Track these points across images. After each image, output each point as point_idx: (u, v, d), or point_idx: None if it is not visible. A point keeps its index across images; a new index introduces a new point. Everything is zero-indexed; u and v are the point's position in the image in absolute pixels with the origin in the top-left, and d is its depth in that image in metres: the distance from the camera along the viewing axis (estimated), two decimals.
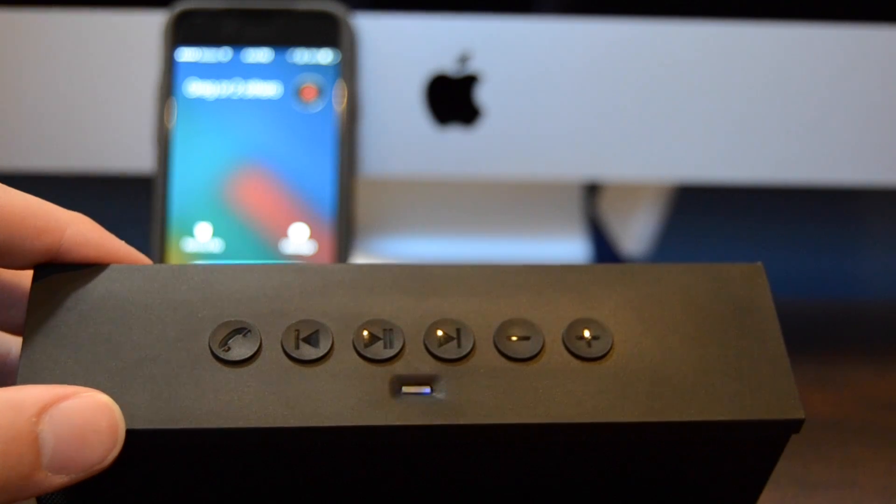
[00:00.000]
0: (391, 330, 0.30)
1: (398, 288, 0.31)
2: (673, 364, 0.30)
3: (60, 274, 0.30)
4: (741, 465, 0.31)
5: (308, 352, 0.29)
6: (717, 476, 0.32)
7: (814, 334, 0.60)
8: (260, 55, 0.51)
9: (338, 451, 0.29)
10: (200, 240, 0.50)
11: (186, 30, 0.51)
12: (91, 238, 0.30)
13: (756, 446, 0.31)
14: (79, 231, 0.30)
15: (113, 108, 0.54)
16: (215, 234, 0.50)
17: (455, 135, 0.54)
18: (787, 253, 0.73)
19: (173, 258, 0.49)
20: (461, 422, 0.29)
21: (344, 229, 0.50)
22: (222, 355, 0.29)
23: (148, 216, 0.50)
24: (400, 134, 0.54)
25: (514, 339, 0.30)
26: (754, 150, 0.55)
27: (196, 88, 0.51)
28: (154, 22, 0.52)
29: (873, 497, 0.38)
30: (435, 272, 0.31)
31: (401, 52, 0.54)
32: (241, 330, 0.29)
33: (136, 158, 0.54)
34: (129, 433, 0.27)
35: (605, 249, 0.63)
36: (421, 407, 0.29)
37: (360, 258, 0.58)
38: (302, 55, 0.51)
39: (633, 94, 0.54)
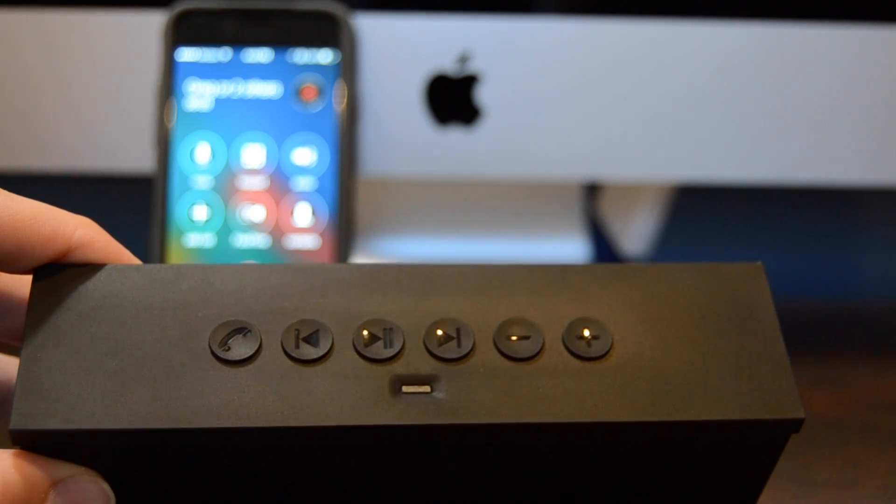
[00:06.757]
0: (391, 329, 0.30)
1: (398, 288, 0.31)
2: (673, 363, 0.30)
3: (60, 274, 0.30)
4: (741, 464, 0.31)
5: (308, 351, 0.29)
6: (718, 475, 0.32)
7: (814, 334, 0.60)
8: (260, 55, 0.51)
9: (338, 450, 0.29)
10: (200, 239, 0.50)
11: (186, 30, 0.51)
12: (96, 243, 0.30)
13: (756, 445, 0.31)
14: (86, 235, 0.30)
15: (113, 108, 0.54)
16: (215, 233, 0.50)
17: (455, 135, 0.54)
18: (787, 253, 0.73)
19: (173, 258, 0.49)
20: (461, 421, 0.29)
21: (344, 229, 0.50)
22: (222, 355, 0.29)
23: (148, 216, 0.50)
24: (400, 134, 0.54)
25: (513, 338, 0.30)
26: (754, 149, 0.55)
27: (196, 88, 0.51)
28: (154, 22, 0.52)
29: (873, 497, 0.38)
30: (435, 272, 0.31)
31: (401, 52, 0.54)
32: (241, 330, 0.29)
33: (136, 158, 0.54)
34: (130, 433, 0.28)
35: (605, 249, 0.63)
36: (421, 406, 0.29)
37: (360, 258, 0.58)
38: (302, 55, 0.51)
39: (634, 94, 0.54)
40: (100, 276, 0.30)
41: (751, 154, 0.55)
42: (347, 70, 0.51)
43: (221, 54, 0.51)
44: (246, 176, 0.51)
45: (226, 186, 0.50)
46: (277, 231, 0.50)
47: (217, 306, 0.30)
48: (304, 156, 0.51)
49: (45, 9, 0.53)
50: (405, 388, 0.29)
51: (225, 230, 0.50)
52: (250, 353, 0.29)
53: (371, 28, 0.53)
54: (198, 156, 0.50)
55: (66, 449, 0.28)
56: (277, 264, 0.31)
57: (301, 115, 0.51)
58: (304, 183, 0.50)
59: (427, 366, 0.29)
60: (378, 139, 0.54)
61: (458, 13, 0.53)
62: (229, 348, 0.29)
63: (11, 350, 0.33)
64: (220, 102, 0.51)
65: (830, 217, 0.74)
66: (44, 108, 0.54)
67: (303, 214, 0.50)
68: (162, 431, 0.28)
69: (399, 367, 0.29)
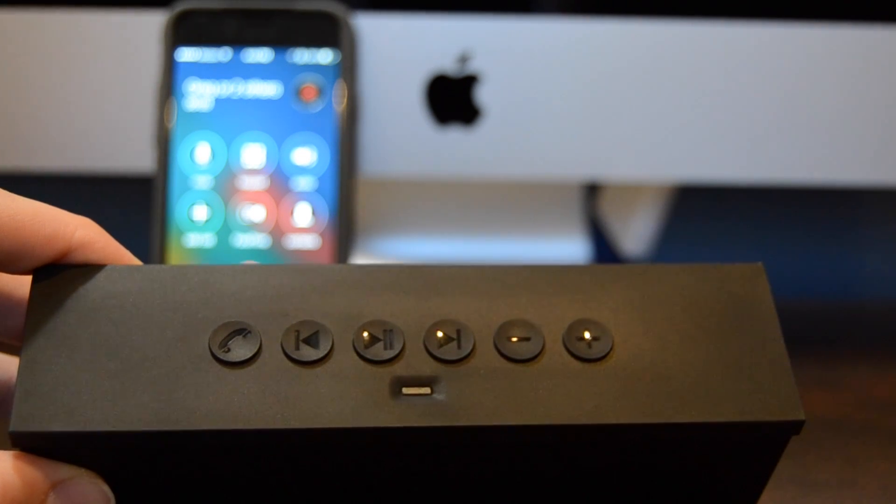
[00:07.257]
0: (391, 331, 0.30)
1: (398, 288, 0.31)
2: (673, 365, 0.30)
3: (60, 275, 0.30)
4: (741, 465, 0.31)
5: (308, 353, 0.29)
6: (718, 476, 0.32)
7: (814, 334, 0.60)
8: (260, 55, 0.51)
9: (338, 452, 0.29)
10: (200, 239, 0.50)
11: (186, 30, 0.51)
12: (96, 244, 0.30)
13: (756, 447, 0.31)
14: (86, 235, 0.30)
15: (113, 108, 0.54)
16: (215, 233, 0.50)
17: (455, 135, 0.54)
18: (787, 253, 0.73)
19: (173, 258, 0.49)
20: (461, 423, 0.29)
21: (344, 229, 0.50)
22: (222, 356, 0.29)
23: (148, 216, 0.50)
24: (400, 134, 0.54)
25: (514, 340, 0.30)
26: (754, 150, 0.55)
27: (196, 88, 0.51)
28: (154, 22, 0.52)
29: (873, 497, 0.38)
30: (435, 272, 0.31)
31: (401, 52, 0.54)
32: (240, 331, 0.29)
33: (136, 158, 0.54)
34: (129, 435, 0.28)
35: (605, 249, 0.63)
36: (421, 408, 0.29)
37: (360, 258, 0.58)
38: (302, 55, 0.51)
39: (633, 94, 0.54)
40: (100, 277, 0.30)
41: (751, 154, 0.55)
42: (347, 70, 0.51)
43: (221, 54, 0.51)
44: (246, 176, 0.51)
45: (226, 186, 0.50)
46: (277, 231, 0.50)
47: (217, 307, 0.30)
48: (304, 156, 0.51)
49: (45, 9, 0.53)
50: (405, 390, 0.29)
51: (225, 230, 0.50)
52: (250, 354, 0.29)
53: (371, 28, 0.53)
54: (198, 156, 0.50)
55: (66, 450, 0.28)
56: (277, 265, 0.31)
57: (301, 115, 0.51)
58: (304, 183, 0.50)
59: (427, 367, 0.29)
60: (378, 139, 0.54)
61: (458, 13, 0.53)
62: (229, 349, 0.29)
63: (11, 350, 0.33)
64: (220, 102, 0.51)
65: (830, 217, 0.74)
66: (43, 108, 0.54)
67: (303, 214, 0.50)
68: (162, 433, 0.28)
69: (399, 369, 0.29)
